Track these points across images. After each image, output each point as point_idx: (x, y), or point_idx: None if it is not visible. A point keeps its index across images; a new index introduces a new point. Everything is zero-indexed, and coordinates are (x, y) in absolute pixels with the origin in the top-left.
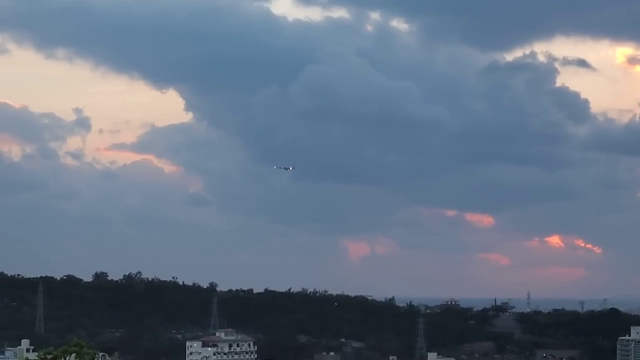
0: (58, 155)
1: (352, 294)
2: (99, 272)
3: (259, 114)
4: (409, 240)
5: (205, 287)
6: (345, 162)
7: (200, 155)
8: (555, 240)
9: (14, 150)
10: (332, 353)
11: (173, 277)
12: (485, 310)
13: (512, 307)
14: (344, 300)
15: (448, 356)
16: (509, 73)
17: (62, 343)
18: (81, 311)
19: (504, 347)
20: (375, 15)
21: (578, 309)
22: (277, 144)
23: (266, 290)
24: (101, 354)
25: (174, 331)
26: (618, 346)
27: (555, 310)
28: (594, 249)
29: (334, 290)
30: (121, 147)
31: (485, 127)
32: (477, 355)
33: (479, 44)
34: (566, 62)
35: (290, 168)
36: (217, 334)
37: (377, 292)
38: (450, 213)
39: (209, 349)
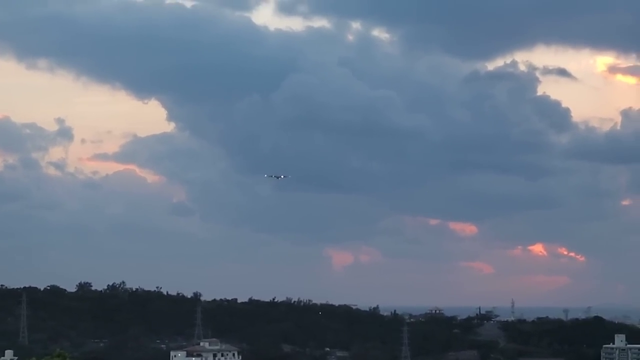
0: (40, 165)
1: (337, 303)
2: (82, 282)
3: (241, 124)
4: (393, 249)
5: (189, 296)
6: (328, 171)
7: (182, 165)
8: (538, 248)
9: None
10: None
11: (157, 287)
12: (469, 318)
13: (496, 316)
14: (328, 310)
15: None
16: (490, 82)
17: (46, 353)
18: (65, 321)
19: (488, 356)
20: (356, 25)
21: (562, 317)
22: (259, 153)
23: (250, 299)
24: None
25: (158, 341)
26: (602, 354)
27: (539, 318)
28: (577, 257)
29: (318, 300)
30: (104, 157)
31: (467, 136)
32: None
33: (460, 53)
34: (547, 71)
35: (282, 176)
36: (202, 343)
37: (361, 301)
38: (434, 222)
39: (193, 358)
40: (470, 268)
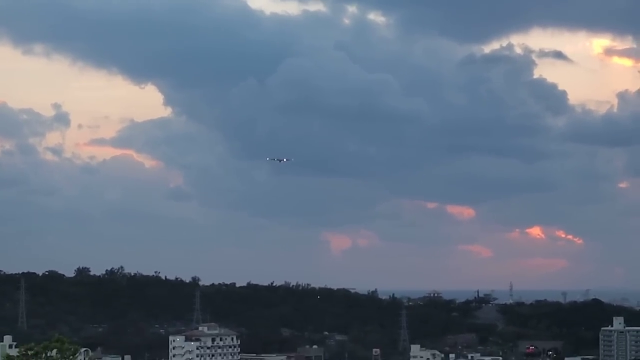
0: (37, 150)
1: (335, 287)
2: (81, 267)
3: (238, 108)
4: (391, 233)
5: (187, 281)
6: (325, 155)
7: (180, 150)
8: (536, 231)
9: None
10: (315, 346)
11: (155, 272)
12: (467, 302)
13: (495, 299)
14: (326, 294)
15: (431, 348)
16: (487, 65)
17: (45, 339)
18: (64, 307)
19: (486, 339)
20: (352, 9)
21: (560, 300)
22: (256, 138)
23: (249, 284)
24: (84, 349)
25: (157, 326)
26: (600, 337)
27: (537, 301)
28: (575, 240)
29: (316, 284)
30: (101, 142)
31: (464, 119)
32: (460, 347)
33: (456, 36)
34: (543, 54)
35: (284, 159)
36: (200, 328)
37: (360, 284)
38: (431, 205)
39: (192, 343)
40: (468, 251)
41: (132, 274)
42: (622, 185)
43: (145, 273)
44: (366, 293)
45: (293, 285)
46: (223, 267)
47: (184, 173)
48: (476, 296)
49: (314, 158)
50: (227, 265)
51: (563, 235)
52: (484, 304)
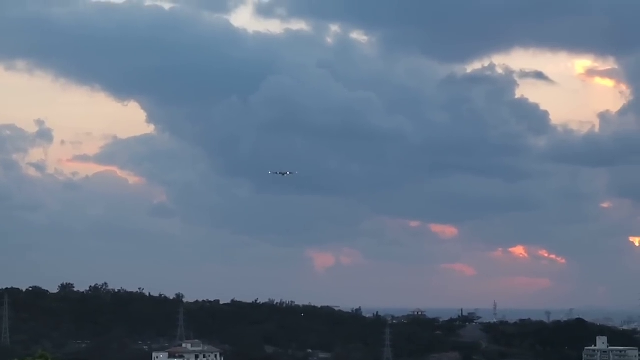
0: (20, 166)
1: (319, 305)
2: (65, 283)
3: (221, 125)
4: (374, 251)
5: (171, 298)
6: (308, 173)
7: (163, 167)
8: (519, 250)
9: None
10: None
11: (139, 289)
12: (451, 320)
13: (479, 318)
14: (310, 311)
15: None
16: (468, 85)
17: (28, 355)
18: (47, 323)
19: (470, 358)
20: (335, 28)
21: (544, 319)
22: (239, 155)
23: (233, 301)
24: None
25: (140, 342)
26: (584, 356)
27: (521, 320)
28: (557, 259)
29: (300, 301)
30: (84, 158)
31: (446, 138)
32: None
33: (438, 55)
34: (524, 74)
35: (288, 173)
36: (184, 345)
37: (344, 302)
38: (414, 224)
39: None
40: (451, 270)
41: (116, 291)
42: (605, 205)
43: (129, 289)
44: (350, 311)
45: (277, 303)
46: (207, 284)
47: (167, 190)
48: (460, 315)
49: (296, 175)
50: (211, 282)
51: (546, 255)
52: (467, 323)
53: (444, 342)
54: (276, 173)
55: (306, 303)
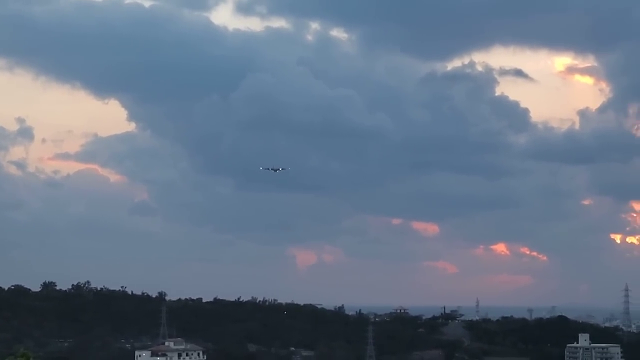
0: (1, 164)
1: (302, 303)
2: (47, 281)
3: (201, 123)
4: (356, 249)
5: (154, 296)
6: (289, 171)
7: (144, 165)
8: (501, 248)
9: None
10: None
11: (122, 287)
12: (434, 318)
13: (461, 315)
14: (293, 309)
15: None
16: (448, 83)
17: (10, 353)
18: (29, 321)
19: (453, 355)
20: (315, 25)
21: (526, 316)
22: (220, 153)
23: (215, 299)
24: None
25: (123, 341)
26: (566, 353)
27: (504, 317)
28: (539, 256)
29: (283, 299)
30: (65, 156)
31: (426, 136)
32: None
33: (418, 53)
34: (504, 71)
35: (280, 169)
36: (166, 343)
37: (326, 300)
38: (396, 221)
39: (158, 358)
40: (433, 267)
41: (99, 289)
42: (585, 202)
43: (111, 288)
44: (333, 309)
45: (260, 301)
46: (189, 282)
47: (149, 188)
48: (442, 312)
49: (277, 173)
50: (193, 280)
51: (527, 252)
52: (450, 320)
53: (427, 340)
54: (268, 169)
55: (289, 301)
